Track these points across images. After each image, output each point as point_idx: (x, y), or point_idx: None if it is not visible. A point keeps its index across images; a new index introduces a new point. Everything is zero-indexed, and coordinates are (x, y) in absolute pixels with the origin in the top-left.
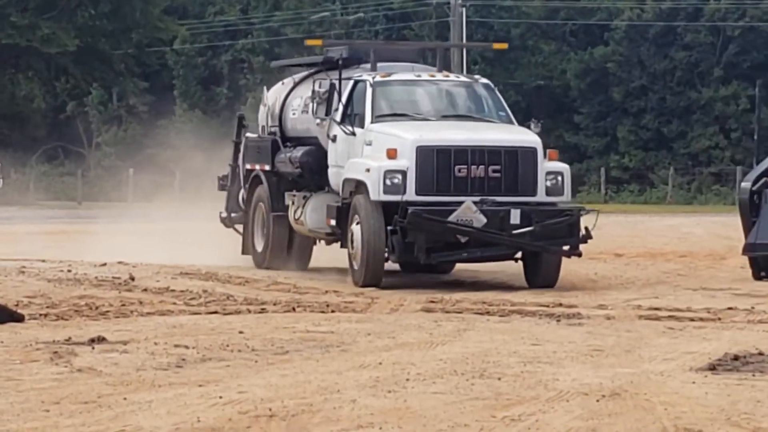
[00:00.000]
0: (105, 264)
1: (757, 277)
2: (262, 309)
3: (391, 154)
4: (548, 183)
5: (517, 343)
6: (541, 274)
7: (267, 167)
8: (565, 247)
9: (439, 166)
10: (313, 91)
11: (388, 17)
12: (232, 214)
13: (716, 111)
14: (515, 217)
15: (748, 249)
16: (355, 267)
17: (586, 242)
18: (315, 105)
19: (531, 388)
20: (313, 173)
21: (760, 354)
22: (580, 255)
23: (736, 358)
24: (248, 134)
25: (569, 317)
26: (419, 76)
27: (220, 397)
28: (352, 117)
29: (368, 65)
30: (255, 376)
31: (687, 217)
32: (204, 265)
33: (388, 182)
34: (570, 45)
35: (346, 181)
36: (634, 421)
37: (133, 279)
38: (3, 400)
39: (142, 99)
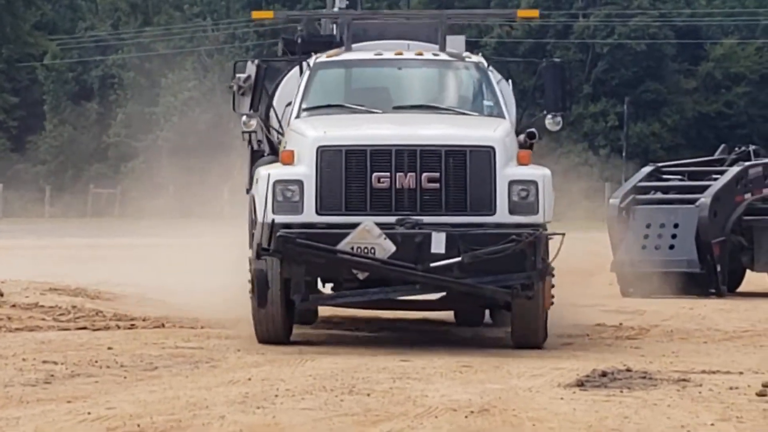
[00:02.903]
0: None
1: (625, 293)
2: (132, 325)
3: (287, 158)
4: (514, 197)
5: (386, 359)
6: (515, 328)
7: None
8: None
9: (351, 174)
10: (233, 79)
11: (259, 33)
12: None
13: (585, 128)
14: (438, 243)
15: (616, 266)
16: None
17: (542, 279)
18: (237, 98)
19: (400, 404)
20: None
21: (628, 370)
22: (529, 297)
23: (604, 374)
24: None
25: (437, 333)
26: (379, 54)
27: (89, 414)
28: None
29: (363, 44)
30: (124, 392)
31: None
32: (73, 281)
33: (279, 197)
34: None
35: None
36: None
37: (1, 294)
38: None
39: (12, 114)
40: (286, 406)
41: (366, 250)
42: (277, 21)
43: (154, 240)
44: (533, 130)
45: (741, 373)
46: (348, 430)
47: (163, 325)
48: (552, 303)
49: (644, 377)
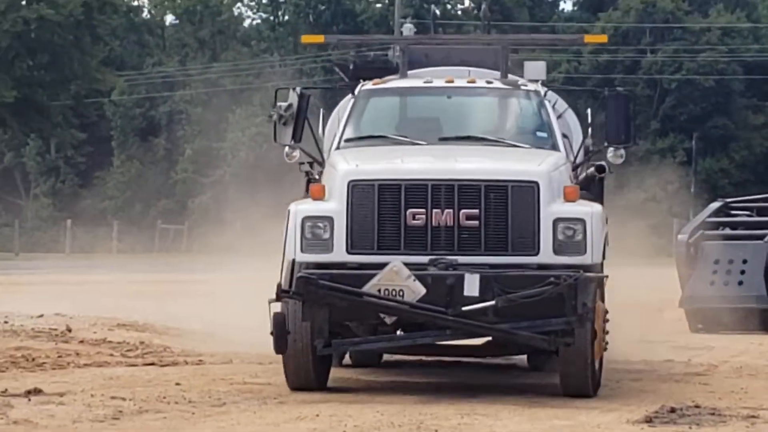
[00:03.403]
0: (42, 315)
1: (694, 329)
2: (200, 361)
3: (317, 193)
4: (560, 236)
5: (453, 396)
6: (562, 376)
7: None
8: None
9: (384, 210)
10: (274, 107)
11: (326, 68)
12: None
13: (653, 163)
14: (471, 285)
15: (685, 302)
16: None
17: (583, 324)
18: (279, 127)
19: None
20: None
21: (697, 407)
22: (568, 344)
23: (672, 410)
24: None
25: (504, 372)
26: (429, 82)
27: None
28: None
29: (420, 70)
30: (192, 428)
31: (625, 268)
32: (141, 317)
33: (308, 234)
34: None
35: None
36: None
37: (70, 330)
38: None
39: (80, 150)
40: None
41: (394, 293)
42: (329, 45)
43: (221, 275)
44: (603, 163)
45: None
46: None
47: (231, 361)
48: (605, 349)
49: (713, 413)
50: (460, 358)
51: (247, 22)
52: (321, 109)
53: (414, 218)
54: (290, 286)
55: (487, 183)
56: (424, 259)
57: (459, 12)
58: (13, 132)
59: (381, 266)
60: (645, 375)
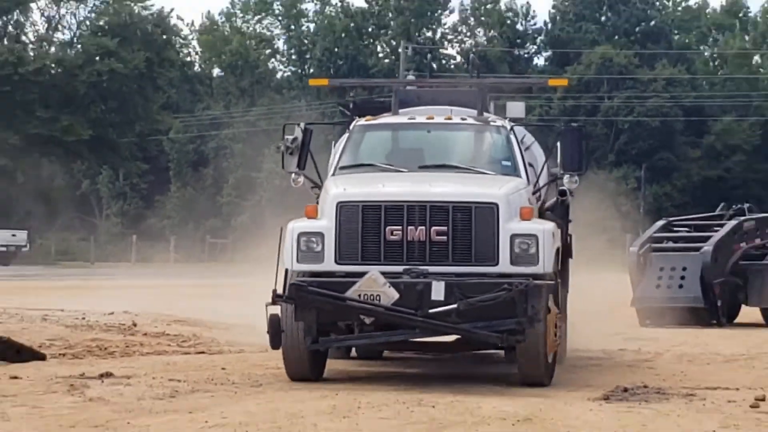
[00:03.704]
0: (112, 313)
1: (643, 324)
2: (241, 350)
3: (310, 212)
4: (516, 249)
5: (447, 380)
6: (519, 368)
7: None
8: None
9: (366, 227)
10: (282, 140)
11: (344, 113)
12: None
13: (609, 189)
14: (438, 291)
15: (636, 302)
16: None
17: (533, 325)
18: (286, 157)
19: (459, 414)
20: None
21: (645, 387)
22: (519, 342)
23: (625, 390)
24: None
25: (485, 356)
26: (411, 119)
27: (206, 422)
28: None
29: (409, 109)
30: (235, 405)
31: (587, 275)
32: (193, 314)
33: (303, 247)
34: None
35: None
36: None
37: (135, 325)
38: (27, 425)
39: (144, 178)
40: (368, 415)
41: (372, 297)
42: (333, 87)
43: (257, 280)
44: (565, 188)
45: (738, 389)
46: None
47: (266, 350)
48: (557, 344)
49: (658, 392)
50: (435, 354)
51: (279, 74)
52: (333, 143)
53: (392, 234)
54: (284, 291)
55: (455, 204)
56: (399, 268)
57: (452, 66)
58: (89, 164)
59: (363, 275)
60: (603, 362)
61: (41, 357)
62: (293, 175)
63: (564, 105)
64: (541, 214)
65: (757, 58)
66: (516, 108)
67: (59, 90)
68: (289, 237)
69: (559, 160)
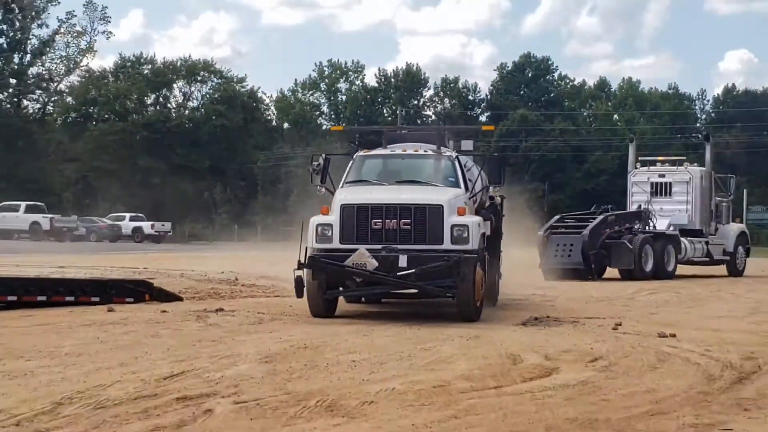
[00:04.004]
0: (223, 272)
1: (546, 279)
2: None
3: (325, 211)
4: (455, 234)
5: (427, 316)
6: (457, 310)
7: None
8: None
9: (359, 220)
10: (310, 164)
11: None
12: None
13: (525, 197)
14: (403, 261)
15: (542, 265)
16: None
17: (464, 282)
18: (313, 176)
19: (434, 333)
20: None
21: (547, 317)
22: (453, 296)
23: (536, 319)
24: None
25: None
26: (393, 151)
27: (280, 338)
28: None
29: (394, 145)
30: (297, 328)
31: (513, 250)
32: (274, 273)
33: (320, 232)
34: None
35: None
36: (486, 349)
37: (237, 279)
38: (172, 339)
39: (242, 190)
40: (378, 335)
41: (360, 265)
42: (347, 133)
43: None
44: (494, 195)
45: (604, 318)
46: (410, 346)
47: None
48: (482, 295)
49: (556, 320)
50: (406, 300)
51: (324, 127)
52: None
53: (375, 224)
54: (305, 261)
55: (415, 205)
56: (379, 246)
57: (430, 122)
58: (209, 182)
59: (355, 251)
60: (521, 302)
61: (180, 299)
62: (318, 187)
63: (498, 145)
64: (479, 212)
65: (615, 116)
66: (467, 144)
67: (190, 136)
68: (311, 226)
69: (487, 177)
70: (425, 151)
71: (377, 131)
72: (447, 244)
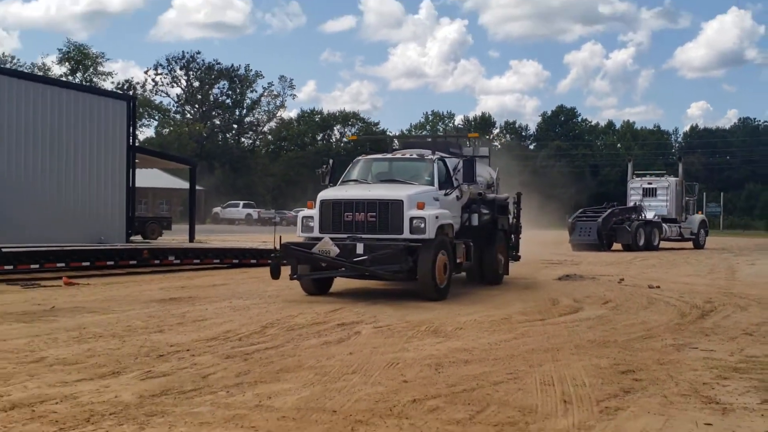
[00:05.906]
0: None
1: (574, 250)
2: None
3: (309, 205)
4: (413, 225)
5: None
6: (419, 291)
7: None
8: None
9: (334, 213)
10: (320, 167)
11: None
12: None
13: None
14: (360, 248)
15: (570, 241)
16: None
17: (422, 267)
18: (322, 176)
19: (501, 289)
20: None
21: (575, 274)
22: (402, 279)
23: (567, 275)
24: None
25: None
26: (385, 155)
27: (405, 290)
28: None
29: (402, 150)
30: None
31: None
32: None
33: (304, 223)
34: None
35: None
36: (534, 294)
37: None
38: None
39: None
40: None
41: (325, 252)
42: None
43: None
44: (480, 191)
45: (612, 275)
46: (484, 293)
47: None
48: (446, 278)
49: (581, 277)
50: (370, 280)
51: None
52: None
53: (346, 217)
54: (279, 248)
55: (380, 201)
56: (345, 236)
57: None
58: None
59: (333, 240)
60: (554, 265)
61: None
62: (327, 186)
63: (542, 164)
64: (469, 206)
65: (618, 145)
66: (483, 150)
67: (345, 163)
68: (299, 219)
69: (462, 176)
70: (411, 155)
71: (382, 139)
72: (407, 234)
